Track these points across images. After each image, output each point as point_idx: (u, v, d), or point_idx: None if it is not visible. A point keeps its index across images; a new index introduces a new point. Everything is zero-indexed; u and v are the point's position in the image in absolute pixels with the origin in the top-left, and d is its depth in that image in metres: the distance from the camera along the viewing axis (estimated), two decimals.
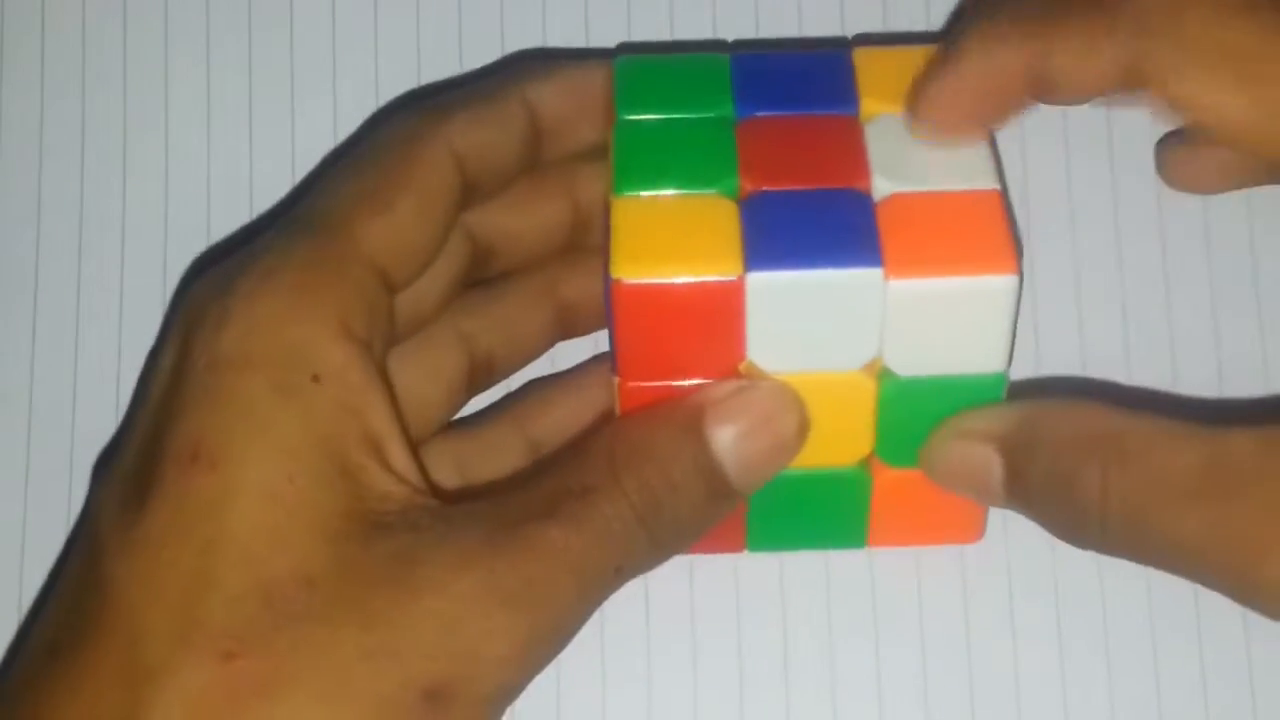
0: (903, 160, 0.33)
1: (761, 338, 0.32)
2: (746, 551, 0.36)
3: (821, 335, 0.32)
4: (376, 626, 0.30)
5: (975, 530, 0.36)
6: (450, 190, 0.35)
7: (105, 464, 0.38)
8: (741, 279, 0.31)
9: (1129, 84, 0.32)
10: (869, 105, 0.34)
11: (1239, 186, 0.39)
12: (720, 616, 0.38)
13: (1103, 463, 0.31)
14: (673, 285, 0.31)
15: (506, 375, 0.39)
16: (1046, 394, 0.34)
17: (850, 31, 0.41)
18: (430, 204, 0.34)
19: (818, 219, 0.32)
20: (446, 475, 0.37)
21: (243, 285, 0.32)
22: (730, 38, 0.42)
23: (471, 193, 0.35)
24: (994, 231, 0.32)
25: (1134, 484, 0.31)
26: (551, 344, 0.39)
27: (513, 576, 0.30)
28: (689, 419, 0.32)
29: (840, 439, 0.34)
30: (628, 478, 0.32)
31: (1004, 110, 0.34)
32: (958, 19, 0.40)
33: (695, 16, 0.42)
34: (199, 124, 0.42)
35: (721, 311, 0.32)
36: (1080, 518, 0.32)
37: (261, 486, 0.30)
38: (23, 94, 0.42)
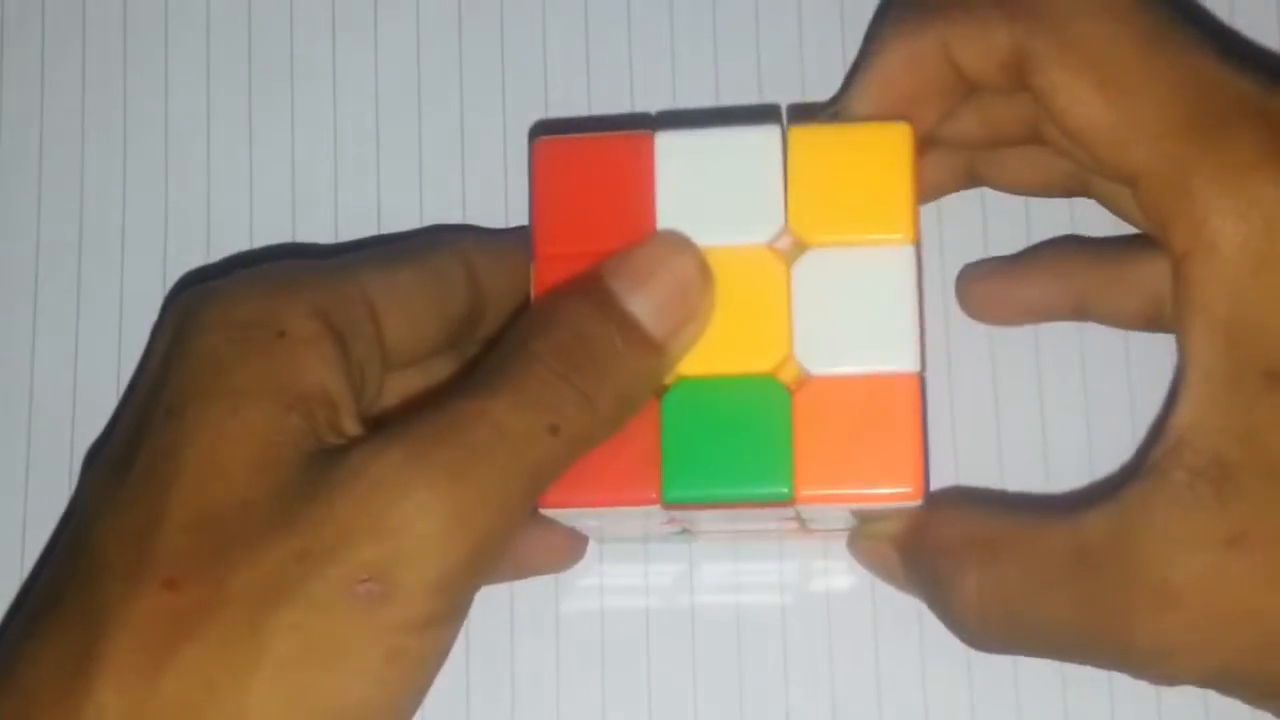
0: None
1: (671, 205, 0.33)
2: (661, 506, 0.33)
3: (728, 203, 0.33)
4: (305, 530, 0.30)
5: (911, 478, 0.32)
6: (456, 288, 0.36)
7: (95, 454, 0.39)
8: (651, 138, 0.33)
9: (1017, 74, 0.33)
10: (798, 221, 0.34)
11: (1039, 320, 0.39)
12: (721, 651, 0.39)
13: (978, 563, 0.33)
14: (586, 140, 0.34)
15: None
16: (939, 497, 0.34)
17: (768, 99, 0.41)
18: (435, 283, 0.36)
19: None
20: None
21: (230, 279, 0.34)
22: (653, 109, 0.42)
23: (480, 311, 0.36)
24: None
25: (1004, 581, 0.33)
26: None
27: (435, 451, 0.30)
28: (589, 278, 0.33)
29: (756, 337, 0.33)
30: (536, 341, 0.32)
31: (925, 97, 0.35)
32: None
33: (614, 90, 0.42)
34: (199, 124, 0.42)
35: (632, 172, 0.33)
36: (963, 616, 0.34)
37: (211, 424, 0.31)
38: (23, 94, 0.42)
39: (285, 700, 0.29)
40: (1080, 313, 0.38)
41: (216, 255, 0.41)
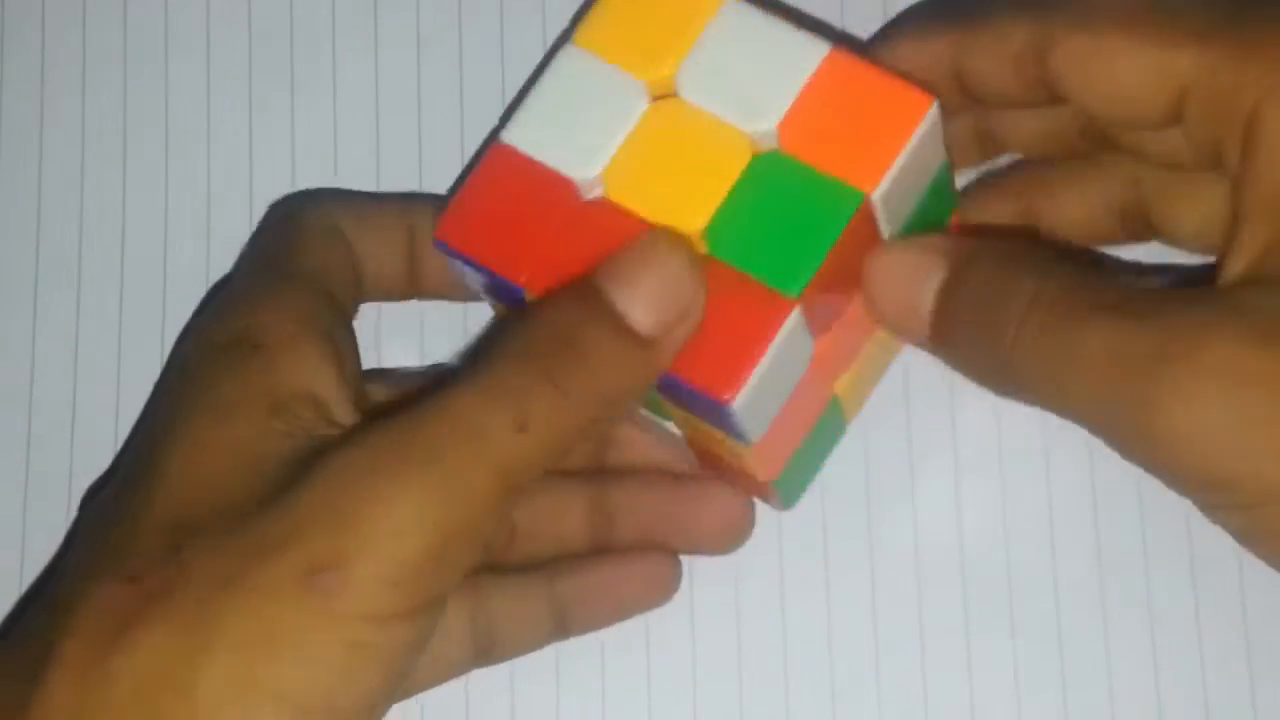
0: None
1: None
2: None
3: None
4: (265, 525, 0.30)
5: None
6: (342, 250, 0.36)
7: (94, 494, 0.39)
8: None
9: (1034, 68, 0.33)
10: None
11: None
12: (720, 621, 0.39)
13: (1039, 276, 0.32)
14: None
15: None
16: None
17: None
18: (332, 253, 0.36)
19: None
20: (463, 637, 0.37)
21: (213, 306, 0.35)
22: None
23: (358, 270, 0.37)
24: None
25: (1060, 296, 0.31)
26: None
27: (397, 446, 0.30)
28: (581, 279, 0.32)
29: (688, 194, 0.33)
30: (512, 338, 0.31)
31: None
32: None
33: None
34: (199, 124, 0.42)
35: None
36: (1000, 324, 0.32)
37: (194, 436, 0.32)
38: (23, 94, 0.42)
39: (236, 683, 0.29)
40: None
41: (216, 255, 0.41)
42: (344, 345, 0.35)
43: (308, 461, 0.31)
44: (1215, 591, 0.38)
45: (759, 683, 0.38)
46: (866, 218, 0.33)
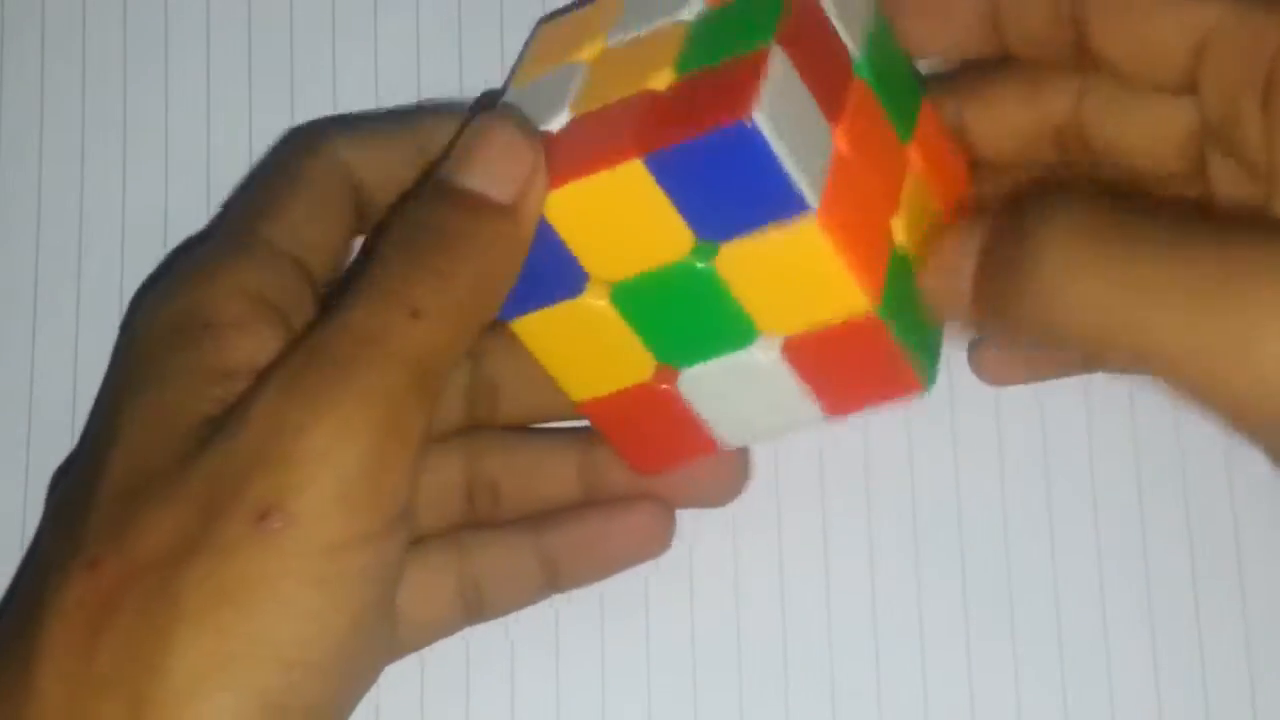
0: None
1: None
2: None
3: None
4: (203, 483, 0.30)
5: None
6: (340, 193, 0.36)
7: (60, 478, 0.40)
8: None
9: (1070, 7, 0.33)
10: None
11: (1045, 378, 0.38)
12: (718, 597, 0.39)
13: (1075, 208, 0.30)
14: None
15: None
16: None
17: None
18: (322, 203, 0.36)
19: None
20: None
21: (165, 281, 0.35)
22: None
23: (366, 201, 0.36)
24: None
25: (1108, 223, 0.30)
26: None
27: (305, 376, 0.31)
28: (427, 180, 0.33)
29: (640, 72, 0.33)
30: (382, 244, 0.32)
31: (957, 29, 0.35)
32: None
33: None
34: (199, 124, 0.42)
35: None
36: (1049, 276, 0.29)
37: (135, 412, 0.32)
38: (23, 94, 0.42)
39: (206, 650, 0.29)
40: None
41: None
42: (301, 318, 0.34)
43: (222, 420, 0.31)
44: (1215, 591, 0.38)
45: (758, 647, 0.38)
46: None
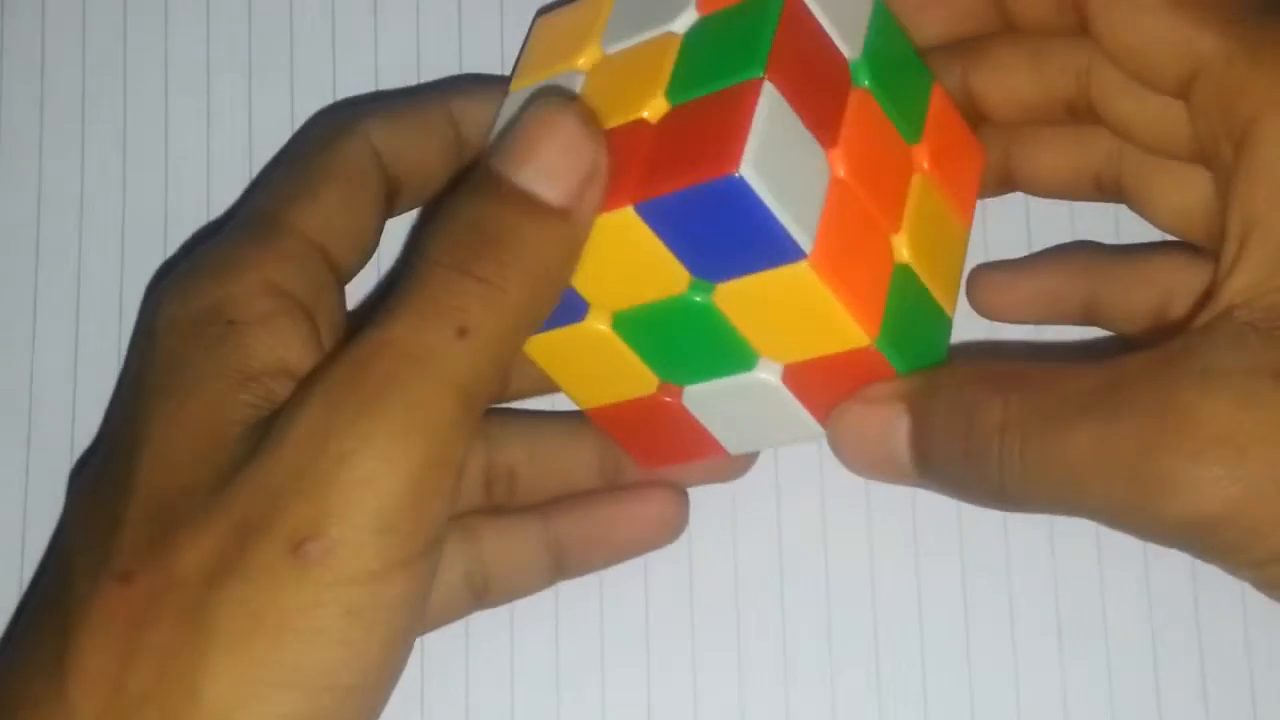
0: None
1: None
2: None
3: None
4: (240, 502, 0.30)
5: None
6: (371, 180, 0.35)
7: (84, 466, 0.39)
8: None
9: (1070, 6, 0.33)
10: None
11: (1046, 318, 0.39)
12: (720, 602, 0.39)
13: (1004, 392, 0.31)
14: None
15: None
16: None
17: None
18: (353, 191, 0.35)
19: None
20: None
21: (185, 272, 0.34)
22: None
23: (397, 187, 0.36)
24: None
25: (1032, 408, 0.31)
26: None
27: (347, 395, 0.30)
28: (478, 169, 0.32)
29: (639, 89, 0.32)
30: (430, 246, 0.31)
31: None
32: None
33: None
34: (199, 124, 0.42)
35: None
36: (981, 451, 0.31)
37: (163, 419, 0.32)
38: (23, 94, 0.42)
39: (239, 677, 0.29)
40: (1089, 310, 0.37)
41: None
42: (325, 311, 0.34)
43: (259, 432, 0.31)
44: (1215, 591, 0.38)
45: (756, 637, 0.38)
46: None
